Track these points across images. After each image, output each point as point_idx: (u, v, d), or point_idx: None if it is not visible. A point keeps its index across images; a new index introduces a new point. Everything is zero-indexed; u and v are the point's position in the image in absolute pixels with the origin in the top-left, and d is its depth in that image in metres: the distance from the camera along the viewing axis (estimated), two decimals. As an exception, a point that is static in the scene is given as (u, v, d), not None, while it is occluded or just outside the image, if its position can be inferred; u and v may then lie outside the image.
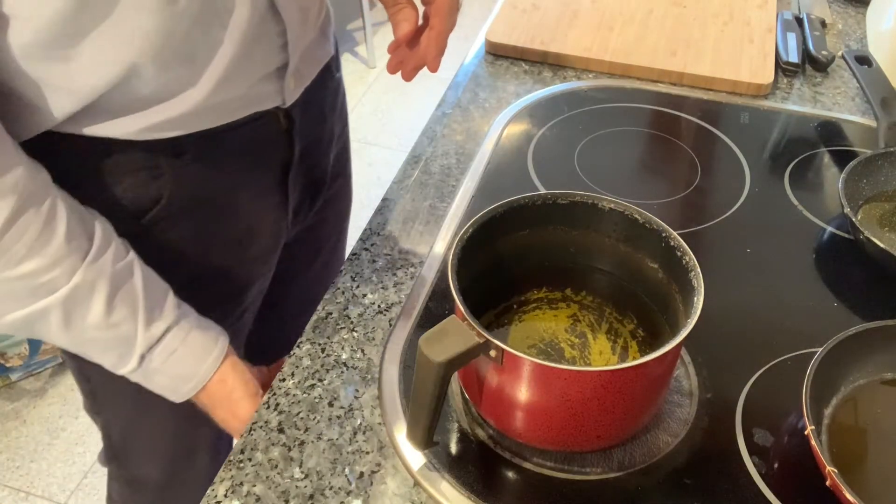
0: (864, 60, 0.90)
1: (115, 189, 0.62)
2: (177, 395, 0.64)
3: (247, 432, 0.60)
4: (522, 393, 0.52)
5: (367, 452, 0.59)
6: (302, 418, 0.61)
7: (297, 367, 0.65)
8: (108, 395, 0.80)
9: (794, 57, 0.99)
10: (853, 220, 0.71)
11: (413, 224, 0.78)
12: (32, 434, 1.64)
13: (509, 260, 0.62)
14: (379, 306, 0.70)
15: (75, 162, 0.60)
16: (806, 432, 0.53)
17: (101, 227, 0.59)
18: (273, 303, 0.88)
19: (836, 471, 0.50)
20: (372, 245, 0.76)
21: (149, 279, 0.61)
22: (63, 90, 0.55)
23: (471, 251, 0.57)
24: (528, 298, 0.63)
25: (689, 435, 0.59)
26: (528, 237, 0.62)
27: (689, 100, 0.95)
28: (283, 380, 0.64)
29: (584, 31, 1.03)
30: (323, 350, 0.66)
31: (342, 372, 0.64)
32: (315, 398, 0.62)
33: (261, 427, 0.61)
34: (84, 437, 1.63)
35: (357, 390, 0.63)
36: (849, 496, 0.49)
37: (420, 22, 0.72)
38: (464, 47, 1.04)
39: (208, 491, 0.57)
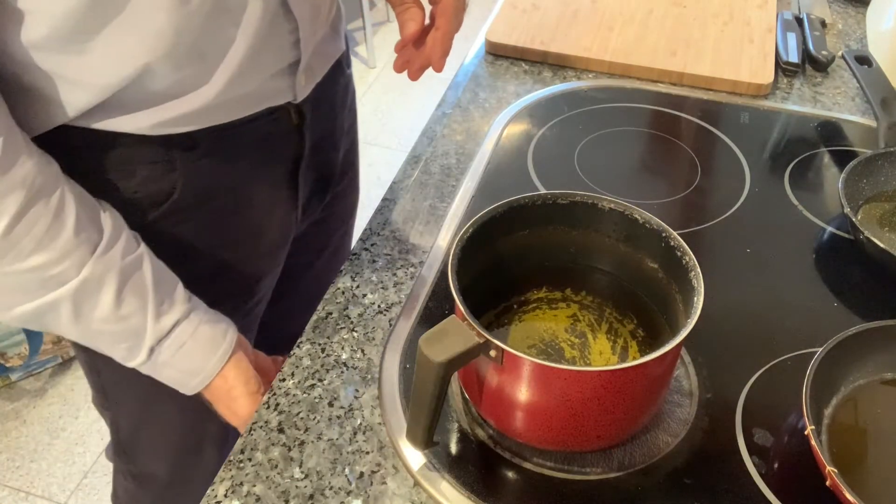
0: (864, 60, 0.90)
1: (128, 182, 0.63)
2: (186, 389, 0.65)
3: (247, 432, 0.60)
4: (522, 393, 0.52)
5: (367, 452, 0.59)
6: (302, 418, 0.61)
7: (297, 367, 0.65)
8: (117, 389, 0.80)
9: (794, 57, 0.99)
10: (853, 220, 0.71)
11: (413, 224, 0.78)
12: (32, 434, 1.64)
13: (509, 260, 0.62)
14: (379, 306, 0.70)
15: (89, 155, 0.61)
16: (806, 432, 0.53)
17: (111, 220, 0.59)
18: (280, 296, 0.88)
19: (836, 471, 0.50)
20: (372, 245, 0.76)
21: (159, 272, 0.62)
22: (77, 85, 0.56)
23: (471, 251, 0.57)
24: (528, 298, 0.63)
25: (689, 435, 0.59)
26: (528, 237, 0.62)
27: (689, 100, 0.95)
28: (283, 380, 0.64)
29: (584, 31, 1.03)
30: (323, 350, 0.66)
31: (342, 372, 0.64)
32: (315, 398, 0.62)
33: (261, 427, 0.61)
34: (84, 437, 1.63)
35: (357, 390, 0.63)
36: (849, 496, 0.49)
37: (427, 22, 0.72)
38: (464, 47, 1.04)
39: (208, 491, 0.57)
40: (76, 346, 0.71)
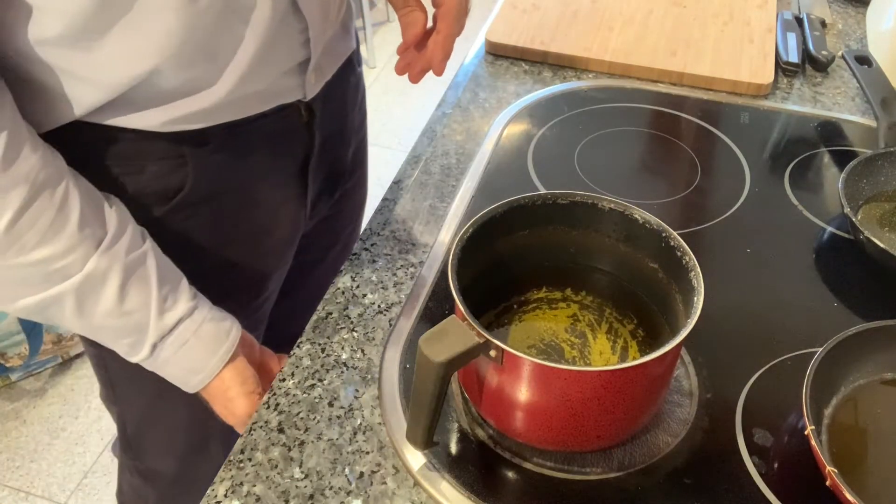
0: (864, 60, 0.90)
1: (138, 177, 0.63)
2: (188, 387, 0.65)
3: (247, 432, 0.60)
4: (522, 393, 0.52)
5: (367, 452, 0.59)
6: (302, 418, 0.61)
7: (297, 367, 0.65)
8: (125, 384, 0.81)
9: (794, 57, 0.99)
10: (853, 220, 0.71)
11: (413, 224, 0.78)
12: (32, 434, 1.64)
13: (509, 260, 0.62)
14: (379, 306, 0.70)
15: (99, 150, 0.61)
16: (806, 432, 0.53)
17: (116, 215, 0.59)
18: (287, 294, 0.89)
19: (836, 471, 0.50)
20: (372, 245, 0.76)
21: (164, 269, 0.62)
22: (86, 82, 0.56)
23: (471, 251, 0.57)
24: (528, 298, 0.63)
25: (689, 435, 0.59)
26: (528, 237, 0.62)
27: (689, 100, 0.95)
28: (283, 380, 0.64)
29: (584, 31, 1.03)
30: (323, 350, 0.66)
31: (342, 372, 0.64)
32: (315, 398, 0.62)
33: (261, 427, 0.61)
34: (84, 437, 1.63)
35: (357, 390, 0.63)
36: (849, 496, 0.49)
37: (430, 24, 0.72)
38: (464, 47, 1.04)
39: (208, 491, 0.57)
40: (85, 340, 0.71)
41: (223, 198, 0.68)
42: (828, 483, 0.52)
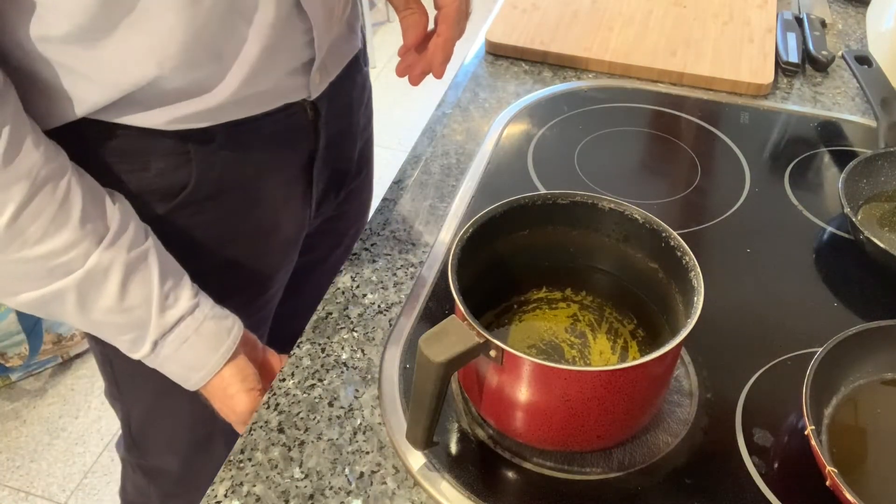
0: (864, 60, 0.90)
1: (143, 173, 0.63)
2: (188, 384, 0.65)
3: (247, 432, 0.60)
4: (522, 393, 0.52)
5: (367, 452, 0.59)
6: (302, 418, 0.61)
7: (297, 367, 0.65)
8: (129, 380, 0.81)
9: (794, 57, 0.99)
10: (853, 220, 0.71)
11: (413, 224, 0.78)
12: (32, 434, 1.64)
13: (509, 260, 0.62)
14: (379, 306, 0.70)
15: (103, 147, 0.61)
16: (806, 432, 0.53)
17: (119, 211, 0.59)
18: (291, 293, 0.89)
19: (836, 471, 0.50)
20: (372, 245, 0.76)
21: (166, 266, 0.62)
22: (90, 81, 0.56)
23: (471, 251, 0.57)
24: (528, 298, 0.63)
25: (689, 435, 0.59)
26: (528, 237, 0.62)
27: (689, 100, 0.95)
28: (283, 380, 0.64)
29: (584, 31, 1.03)
30: (323, 350, 0.66)
31: (342, 372, 0.64)
32: (315, 398, 0.62)
33: (261, 427, 0.61)
34: (84, 437, 1.63)
35: (357, 390, 0.63)
36: (849, 496, 0.49)
37: (431, 27, 0.72)
38: (464, 47, 1.04)
39: (208, 491, 0.57)
40: (90, 336, 0.71)
41: (227, 195, 0.68)
42: (828, 483, 0.52)
